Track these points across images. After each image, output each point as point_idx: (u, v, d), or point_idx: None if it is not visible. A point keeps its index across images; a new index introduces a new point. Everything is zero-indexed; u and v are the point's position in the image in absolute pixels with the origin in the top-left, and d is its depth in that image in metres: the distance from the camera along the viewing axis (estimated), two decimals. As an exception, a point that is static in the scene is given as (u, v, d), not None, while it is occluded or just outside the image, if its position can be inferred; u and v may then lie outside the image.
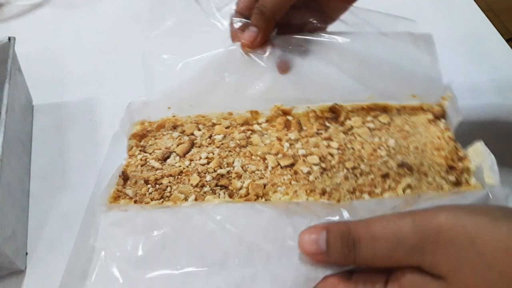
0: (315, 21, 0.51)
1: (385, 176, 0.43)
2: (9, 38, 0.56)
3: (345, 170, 0.44)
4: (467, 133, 0.45)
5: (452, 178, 0.43)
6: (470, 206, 0.34)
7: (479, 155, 0.42)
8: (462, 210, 0.31)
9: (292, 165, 0.45)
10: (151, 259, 0.38)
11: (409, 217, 0.32)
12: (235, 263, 0.37)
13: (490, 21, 0.74)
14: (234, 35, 0.49)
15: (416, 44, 0.50)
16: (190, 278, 0.37)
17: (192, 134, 0.49)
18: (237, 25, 0.49)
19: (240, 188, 0.44)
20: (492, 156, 0.41)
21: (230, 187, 0.44)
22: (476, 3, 0.77)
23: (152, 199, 0.44)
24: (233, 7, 0.50)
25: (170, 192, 0.44)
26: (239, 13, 0.49)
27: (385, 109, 0.50)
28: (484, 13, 0.75)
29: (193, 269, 0.37)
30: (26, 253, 0.46)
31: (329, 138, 0.47)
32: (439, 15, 0.76)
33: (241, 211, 0.40)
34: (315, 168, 0.45)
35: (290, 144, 0.47)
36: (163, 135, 0.50)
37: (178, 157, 0.47)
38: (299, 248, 0.36)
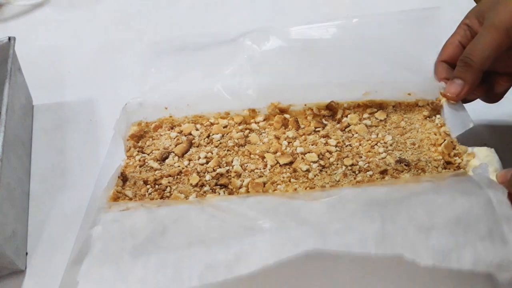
0: None
1: (383, 172, 0.43)
2: (9, 38, 0.56)
3: (343, 167, 0.44)
4: (468, 133, 0.45)
5: None
6: None
7: (485, 158, 0.42)
8: None
9: (291, 163, 0.45)
10: (149, 244, 0.37)
11: None
12: (232, 239, 0.36)
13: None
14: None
15: (418, 23, 0.51)
16: (188, 256, 0.36)
17: (190, 134, 0.49)
18: (442, 72, 0.48)
19: (240, 187, 0.44)
20: (500, 163, 0.40)
21: (230, 186, 0.44)
22: (476, 3, 0.77)
23: (152, 200, 0.44)
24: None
25: (170, 192, 0.44)
26: (443, 61, 0.48)
27: (381, 106, 0.50)
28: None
29: (192, 249, 0.36)
30: (26, 253, 0.47)
31: (326, 136, 0.47)
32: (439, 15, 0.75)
33: (243, 203, 0.40)
34: (314, 165, 0.45)
35: (288, 142, 0.47)
36: (161, 135, 0.50)
37: (176, 157, 0.47)
38: None
